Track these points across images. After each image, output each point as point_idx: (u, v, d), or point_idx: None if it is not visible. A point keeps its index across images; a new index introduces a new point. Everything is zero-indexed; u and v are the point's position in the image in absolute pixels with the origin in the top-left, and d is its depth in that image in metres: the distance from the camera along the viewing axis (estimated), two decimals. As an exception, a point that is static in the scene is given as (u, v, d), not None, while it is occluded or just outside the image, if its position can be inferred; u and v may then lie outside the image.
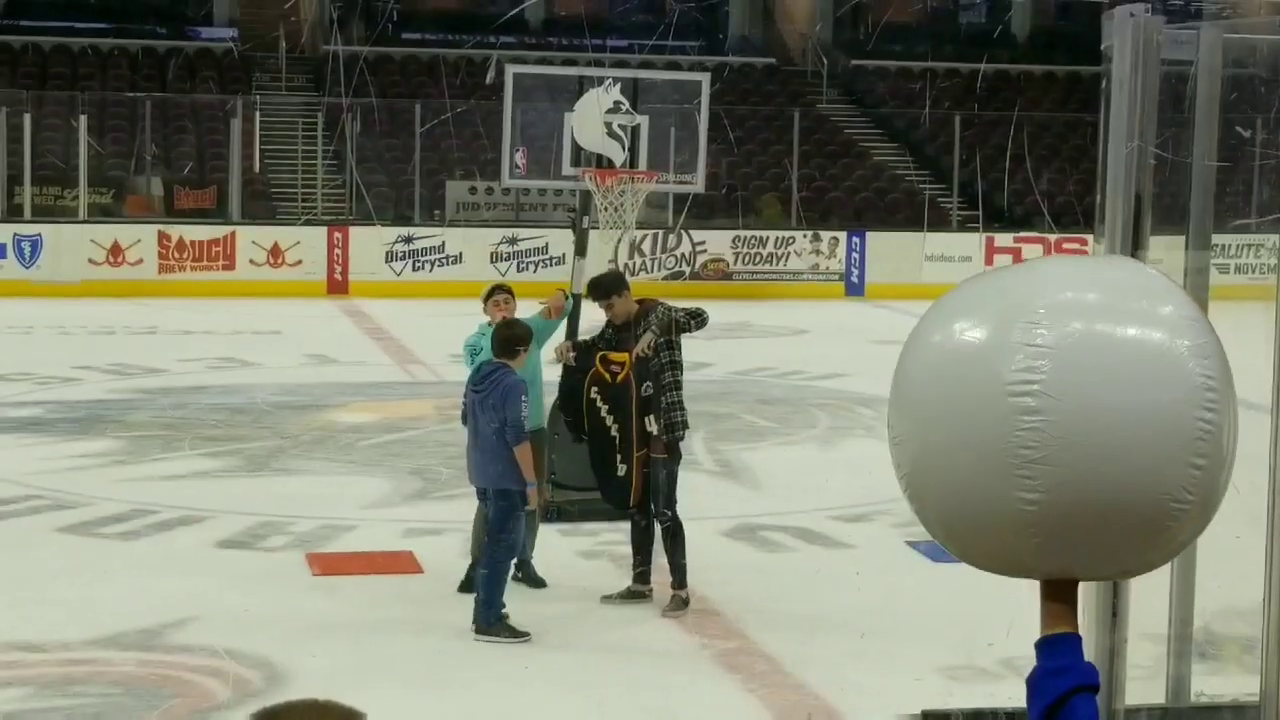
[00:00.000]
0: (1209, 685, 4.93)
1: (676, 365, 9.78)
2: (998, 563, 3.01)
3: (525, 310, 10.50)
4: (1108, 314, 2.91)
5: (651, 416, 9.79)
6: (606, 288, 10.02)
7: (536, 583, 10.25)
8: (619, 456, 9.91)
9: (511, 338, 9.47)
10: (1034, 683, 2.92)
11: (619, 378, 9.94)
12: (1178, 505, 2.87)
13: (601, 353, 10.01)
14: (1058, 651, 2.93)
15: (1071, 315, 2.88)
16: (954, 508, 2.96)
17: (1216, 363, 2.90)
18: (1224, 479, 2.94)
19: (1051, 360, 2.83)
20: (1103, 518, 2.87)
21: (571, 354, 10.27)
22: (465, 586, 9.96)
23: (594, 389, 10.02)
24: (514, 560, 9.68)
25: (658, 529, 9.90)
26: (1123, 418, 2.83)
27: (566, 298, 10.69)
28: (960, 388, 2.90)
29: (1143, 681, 4.80)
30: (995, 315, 2.93)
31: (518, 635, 9.22)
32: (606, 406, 9.97)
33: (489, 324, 10.31)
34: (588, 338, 10.50)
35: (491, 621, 9.23)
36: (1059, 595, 2.96)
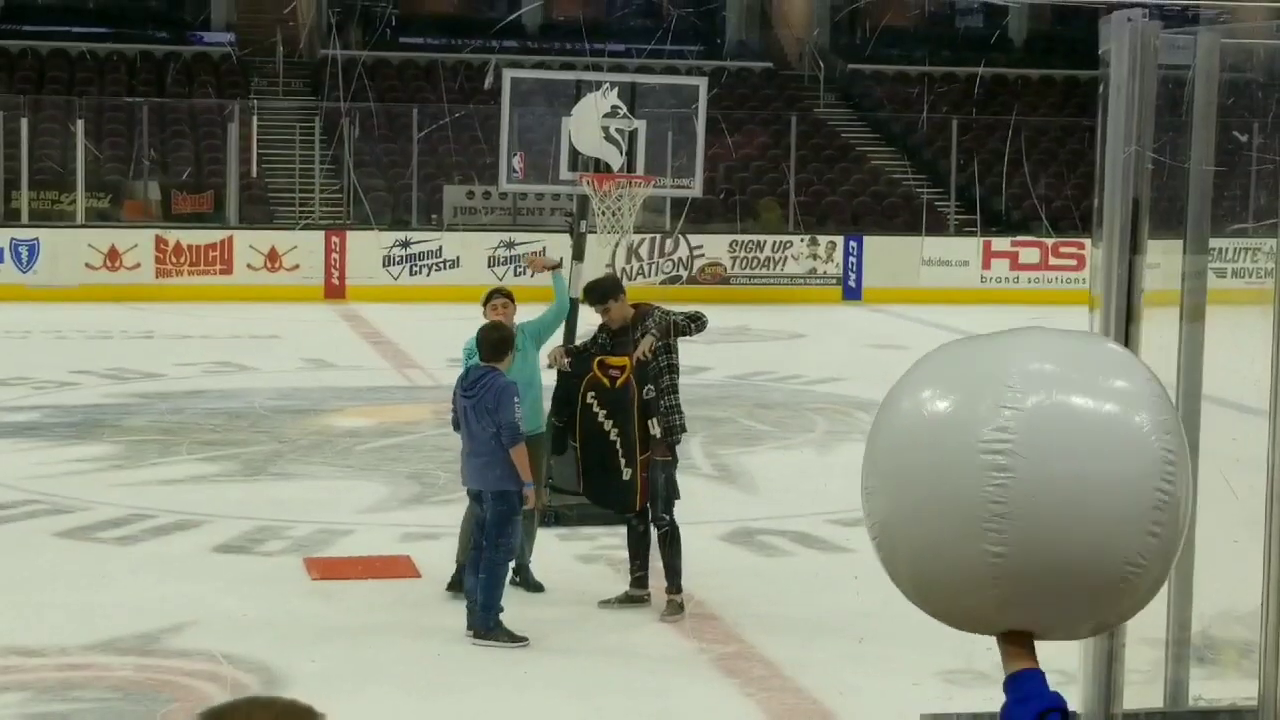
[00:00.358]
0: (1207, 689, 4.93)
1: (674, 369, 9.79)
2: (962, 617, 3.21)
3: (525, 314, 10.49)
4: (1077, 386, 3.09)
5: (654, 419, 9.80)
6: (603, 292, 10.03)
7: (534, 587, 10.25)
8: (622, 461, 9.90)
9: (498, 340, 9.46)
10: (1006, 714, 3.15)
11: (618, 382, 9.94)
12: (1133, 569, 3.05)
13: (599, 358, 10.01)
14: (1022, 684, 3.14)
15: (1044, 384, 3.07)
16: (923, 560, 3.15)
17: (1176, 438, 3.10)
18: (1178, 547, 3.13)
19: (1023, 423, 3.01)
20: (1062, 575, 3.04)
21: (566, 360, 10.26)
22: (454, 585, 9.95)
23: (590, 394, 10.01)
24: (512, 564, 9.67)
25: (654, 533, 9.90)
26: (1085, 484, 3.01)
27: (550, 262, 10.67)
28: (934, 443, 3.10)
29: (1141, 686, 4.80)
30: (970, 380, 3.13)
31: (516, 640, 9.21)
32: (604, 411, 9.96)
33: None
34: (582, 343, 10.50)
35: (490, 626, 9.22)
36: (1017, 639, 3.16)
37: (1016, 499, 2.99)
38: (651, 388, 9.77)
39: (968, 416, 3.07)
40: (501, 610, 9.30)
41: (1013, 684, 3.14)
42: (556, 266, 10.74)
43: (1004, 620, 3.14)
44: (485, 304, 10.37)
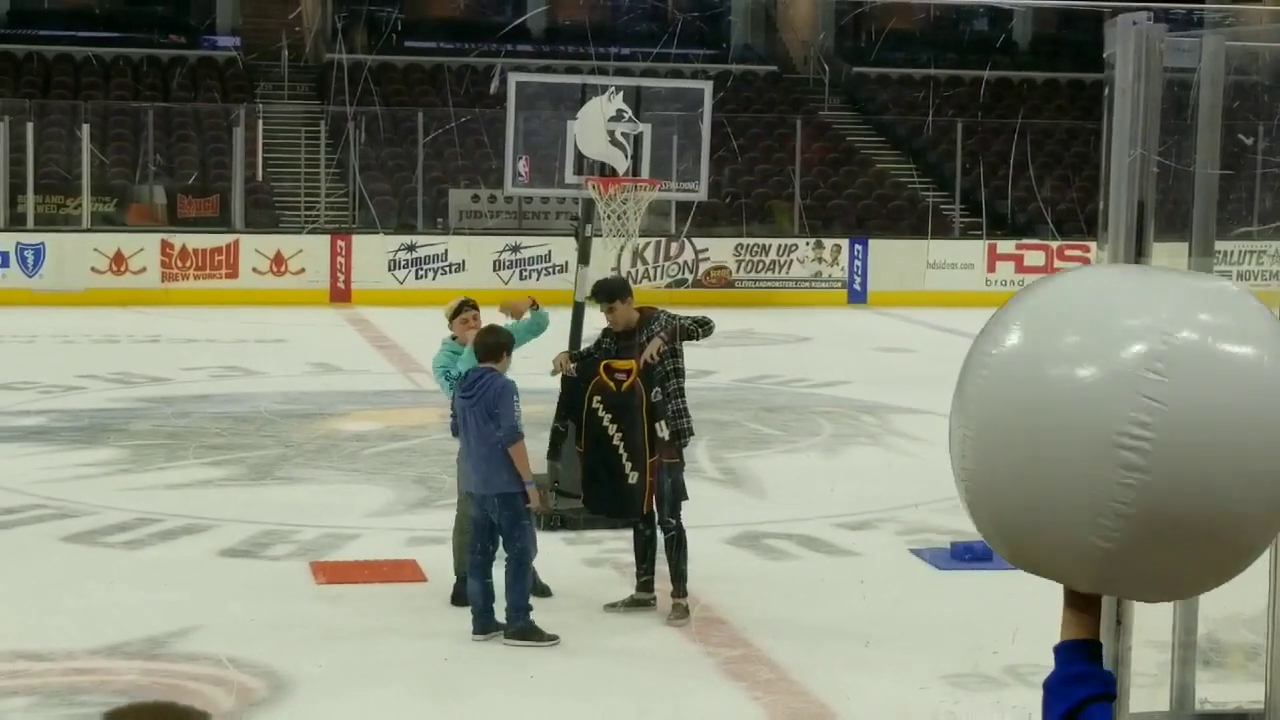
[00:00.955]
0: (1213, 693, 4.93)
1: (679, 373, 9.80)
2: (1042, 571, 2.94)
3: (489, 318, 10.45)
4: (1229, 373, 2.76)
5: (662, 422, 9.80)
6: (611, 292, 10.03)
7: (541, 591, 10.25)
8: (628, 465, 9.90)
9: (495, 345, 9.50)
10: (1052, 687, 2.89)
11: (624, 386, 9.94)
12: (1252, 555, 2.88)
13: (605, 362, 10.01)
14: (1078, 658, 2.90)
15: (1193, 371, 2.73)
16: (1017, 529, 2.88)
17: None
18: None
19: (1164, 423, 2.71)
20: (1174, 564, 2.83)
21: (572, 365, 10.25)
22: (457, 599, 9.96)
23: (596, 398, 10.00)
24: (533, 559, 9.68)
25: (661, 537, 9.90)
26: (1220, 496, 2.75)
27: (534, 306, 10.57)
28: (1061, 417, 2.77)
29: (1147, 690, 4.80)
30: (1110, 347, 2.79)
31: (548, 639, 9.30)
32: (610, 415, 9.95)
33: (452, 339, 10.33)
34: (586, 348, 10.49)
35: (524, 627, 9.27)
36: (1085, 604, 2.94)
37: (1144, 503, 2.72)
38: (659, 390, 9.78)
39: (1104, 395, 2.73)
40: (531, 609, 9.34)
41: (1068, 655, 2.90)
42: (533, 306, 10.62)
43: (1089, 587, 2.89)
44: (453, 317, 10.36)
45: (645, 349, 9.74)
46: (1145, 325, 2.77)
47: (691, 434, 9.88)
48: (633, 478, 9.85)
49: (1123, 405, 2.72)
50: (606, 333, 10.10)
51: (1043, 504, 2.80)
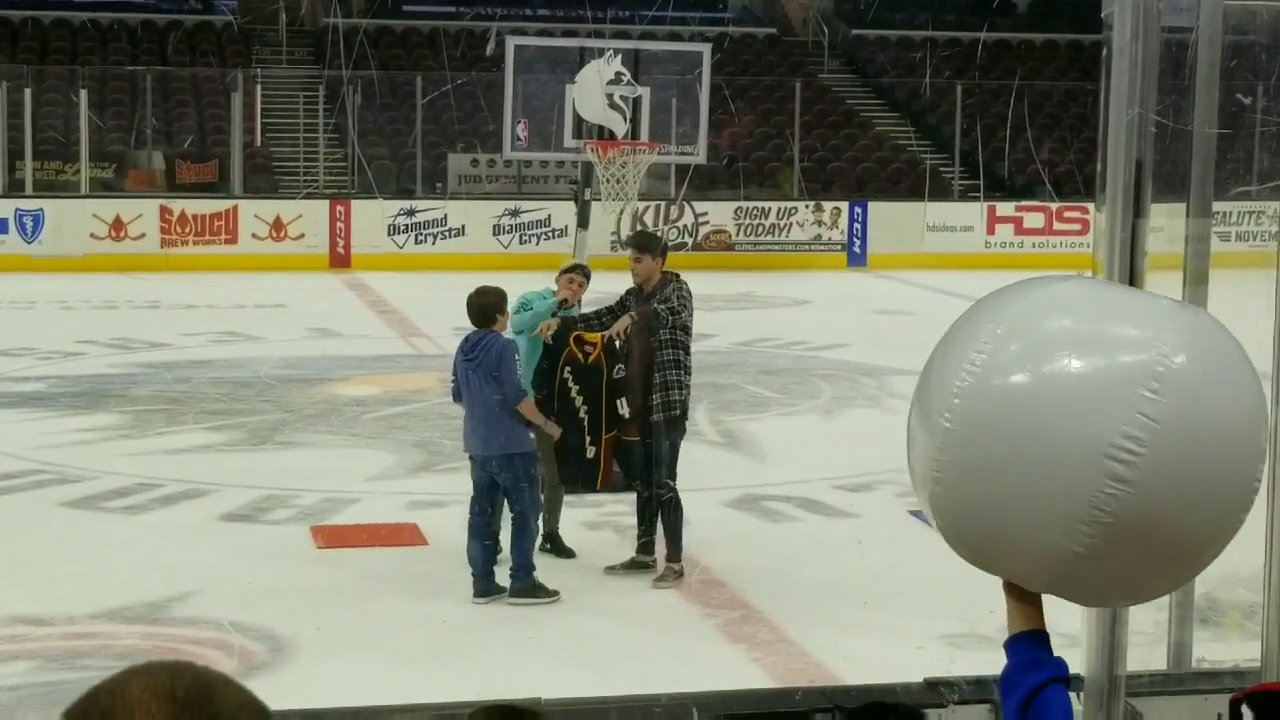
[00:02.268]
0: (1211, 651, 4.95)
1: (678, 345, 9.73)
2: (998, 569, 3.05)
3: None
4: (1217, 401, 2.87)
5: (624, 399, 9.80)
6: (641, 243, 9.99)
7: (565, 553, 10.28)
8: (588, 439, 9.94)
9: (486, 305, 9.49)
10: (1008, 678, 3.01)
11: (590, 358, 9.93)
12: (1203, 566, 3.03)
13: (576, 333, 9.99)
14: (1028, 647, 3.01)
15: (1187, 395, 2.82)
16: (988, 521, 2.94)
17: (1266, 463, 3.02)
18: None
19: (1157, 441, 2.79)
20: (1133, 572, 2.94)
21: (549, 333, 10.13)
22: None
23: (567, 369, 9.99)
24: (540, 518, 9.71)
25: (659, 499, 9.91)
26: (1197, 514, 2.88)
27: (560, 308, 10.41)
28: (1052, 421, 2.83)
29: (1144, 648, 4.82)
30: (1111, 355, 2.87)
31: (549, 594, 9.38)
32: (577, 387, 9.96)
33: (550, 294, 10.25)
34: (609, 305, 10.36)
35: (528, 586, 9.33)
36: (1029, 598, 3.03)
37: (1124, 513, 2.79)
38: (622, 367, 9.77)
39: (1098, 407, 2.80)
40: (534, 569, 9.38)
41: (1018, 647, 3.03)
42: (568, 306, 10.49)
43: (1043, 589, 3.00)
44: (562, 274, 10.36)
45: (614, 325, 9.74)
46: (1144, 344, 2.86)
47: (681, 409, 9.75)
48: (590, 451, 9.89)
49: (1117, 419, 2.79)
50: (631, 291, 10.03)
51: (1020, 504, 2.86)
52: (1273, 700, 3.22)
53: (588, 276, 10.39)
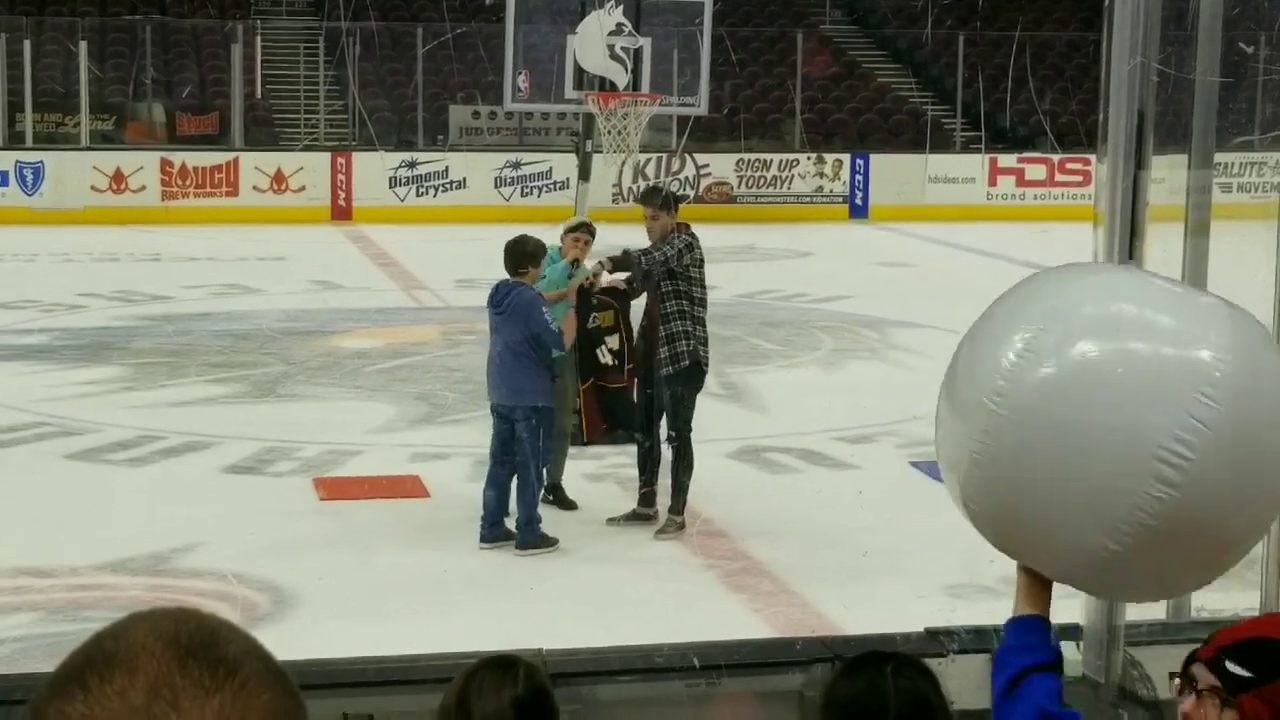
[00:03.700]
0: (1209, 601, 4.96)
1: (681, 295, 9.71)
2: (1024, 557, 3.01)
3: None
4: (1270, 410, 2.86)
5: (603, 347, 9.83)
6: (644, 198, 9.97)
7: (568, 505, 10.31)
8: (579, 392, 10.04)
9: (520, 254, 9.47)
10: (999, 658, 3.02)
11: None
12: (1230, 566, 3.05)
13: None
14: (1024, 630, 3.01)
15: (1244, 403, 2.82)
16: (1025, 510, 2.91)
17: None
18: None
19: (1208, 446, 2.77)
20: (1164, 571, 2.95)
21: (598, 277, 10.11)
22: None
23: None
24: (542, 470, 9.74)
25: (667, 452, 9.93)
26: (1241, 515, 2.89)
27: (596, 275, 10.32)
28: (1104, 417, 2.81)
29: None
30: (1169, 359, 2.86)
31: (550, 542, 9.46)
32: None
33: (557, 252, 10.17)
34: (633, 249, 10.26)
35: (534, 538, 9.38)
36: (1041, 581, 3.02)
37: (1168, 518, 2.77)
38: (596, 317, 9.77)
39: (1151, 409, 2.79)
40: (540, 520, 9.46)
41: (1015, 629, 3.02)
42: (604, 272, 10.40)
43: (1064, 580, 3.01)
44: (567, 232, 10.28)
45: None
46: (1200, 345, 2.85)
47: (691, 360, 9.71)
48: (576, 403, 9.96)
49: (1170, 421, 2.77)
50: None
51: (1063, 496, 2.83)
52: (1266, 648, 3.19)
53: (593, 234, 10.34)
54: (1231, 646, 3.05)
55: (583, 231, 10.28)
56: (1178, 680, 2.93)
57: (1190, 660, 3.08)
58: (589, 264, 10.13)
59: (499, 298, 9.44)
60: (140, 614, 1.38)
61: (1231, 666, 3.04)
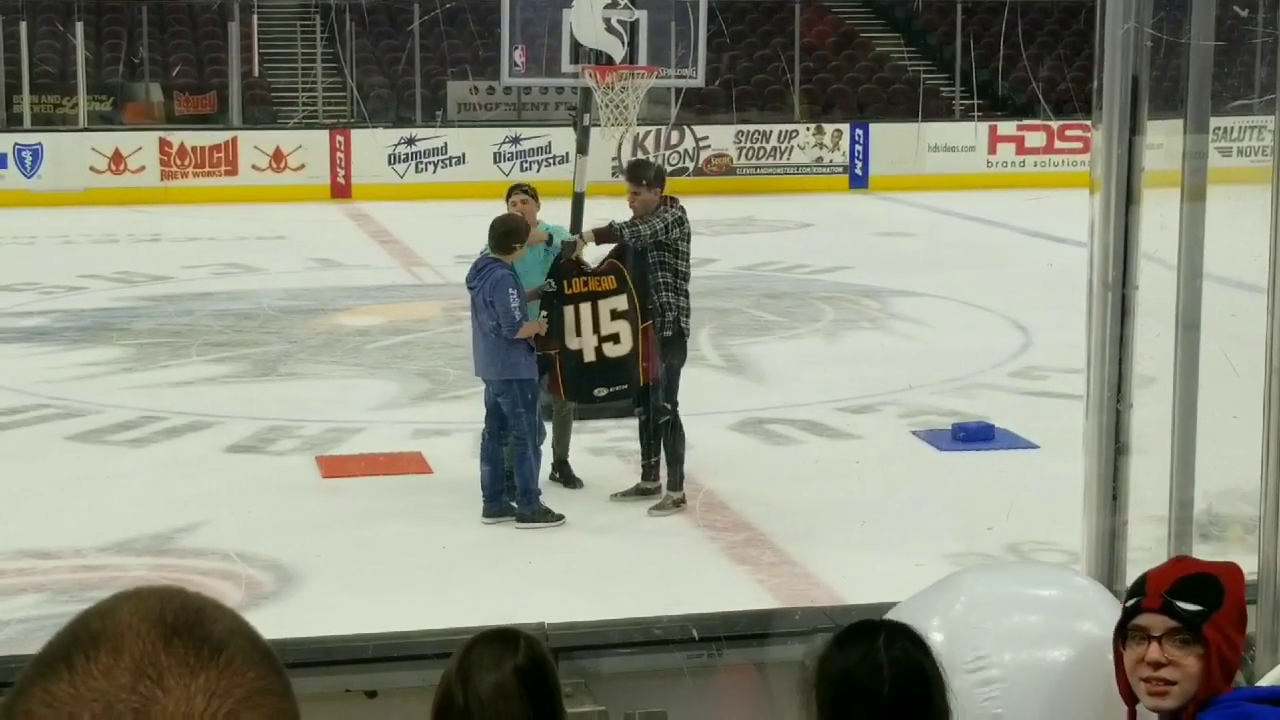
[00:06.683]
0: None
1: (666, 266, 9.68)
2: None
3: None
4: None
5: (543, 313, 9.85)
6: (630, 173, 9.91)
7: (573, 482, 10.29)
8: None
9: (502, 232, 9.47)
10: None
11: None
12: None
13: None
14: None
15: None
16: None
17: None
18: None
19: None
20: None
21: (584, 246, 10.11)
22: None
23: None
24: (540, 444, 9.73)
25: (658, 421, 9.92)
26: None
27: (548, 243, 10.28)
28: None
29: (1144, 564, 4.82)
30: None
31: (554, 518, 9.45)
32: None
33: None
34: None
35: (533, 510, 9.38)
36: None
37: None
38: (553, 282, 9.73)
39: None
40: (540, 493, 9.43)
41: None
42: (548, 242, 10.36)
43: None
44: (507, 198, 10.22)
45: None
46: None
47: (675, 329, 9.69)
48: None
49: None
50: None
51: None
52: (1201, 581, 3.24)
53: (534, 196, 10.24)
54: (1172, 588, 3.14)
55: (519, 193, 10.20)
56: (1119, 641, 3.10)
57: (1129, 616, 3.16)
58: (586, 232, 10.08)
59: (475, 273, 9.49)
60: (125, 593, 1.38)
61: (1182, 605, 3.11)
